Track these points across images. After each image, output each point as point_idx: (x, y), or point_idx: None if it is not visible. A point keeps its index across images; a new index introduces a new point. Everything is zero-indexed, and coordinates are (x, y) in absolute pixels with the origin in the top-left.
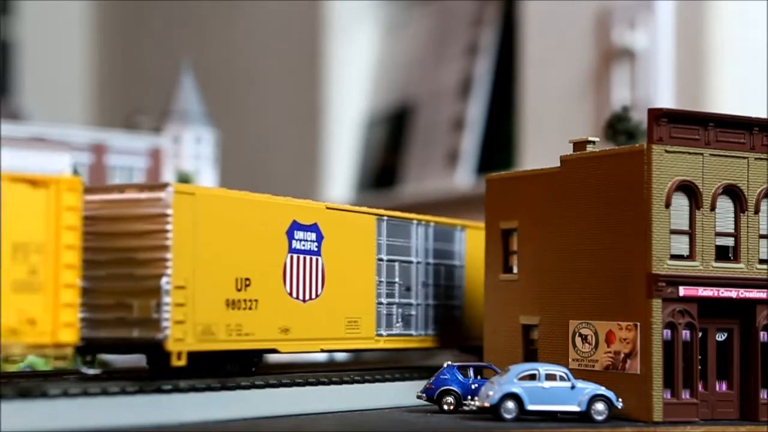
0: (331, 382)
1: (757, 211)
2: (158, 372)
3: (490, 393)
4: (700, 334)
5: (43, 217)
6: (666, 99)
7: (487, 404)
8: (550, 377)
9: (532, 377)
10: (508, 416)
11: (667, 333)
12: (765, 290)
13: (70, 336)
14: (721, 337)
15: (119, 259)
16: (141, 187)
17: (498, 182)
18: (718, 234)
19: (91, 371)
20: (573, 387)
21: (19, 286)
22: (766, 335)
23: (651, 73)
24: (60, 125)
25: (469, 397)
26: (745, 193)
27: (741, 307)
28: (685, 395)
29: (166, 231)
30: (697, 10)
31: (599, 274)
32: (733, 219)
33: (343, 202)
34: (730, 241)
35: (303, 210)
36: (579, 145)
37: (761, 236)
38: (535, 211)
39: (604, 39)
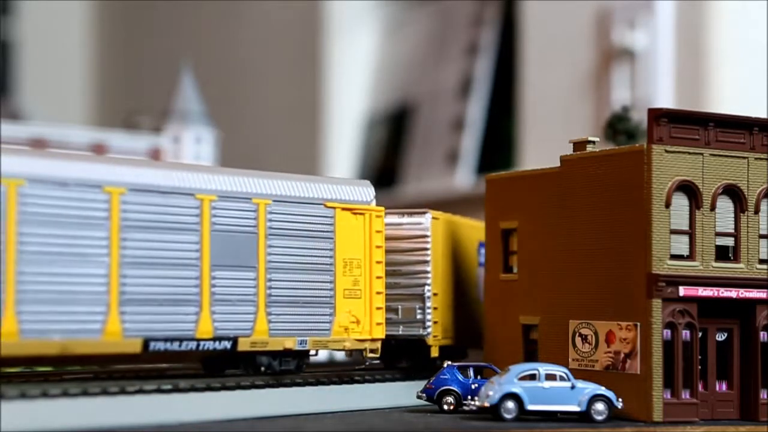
0: (331, 382)
1: (757, 211)
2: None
3: (490, 393)
4: (700, 334)
5: (361, 239)
6: (666, 99)
7: (487, 404)
8: (550, 377)
9: (532, 377)
10: (508, 416)
11: (667, 333)
12: (765, 290)
13: (381, 333)
14: (721, 337)
15: (387, 271)
16: (402, 212)
17: (498, 182)
18: (718, 234)
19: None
20: (573, 387)
21: (348, 293)
22: (766, 335)
23: (651, 73)
24: (60, 125)
25: (469, 397)
26: (745, 193)
27: (741, 307)
28: (685, 395)
29: (427, 249)
30: (697, 10)
31: (599, 273)
32: (733, 219)
33: None
34: (730, 241)
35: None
36: (579, 145)
37: (761, 236)
38: (535, 211)
39: (604, 39)
